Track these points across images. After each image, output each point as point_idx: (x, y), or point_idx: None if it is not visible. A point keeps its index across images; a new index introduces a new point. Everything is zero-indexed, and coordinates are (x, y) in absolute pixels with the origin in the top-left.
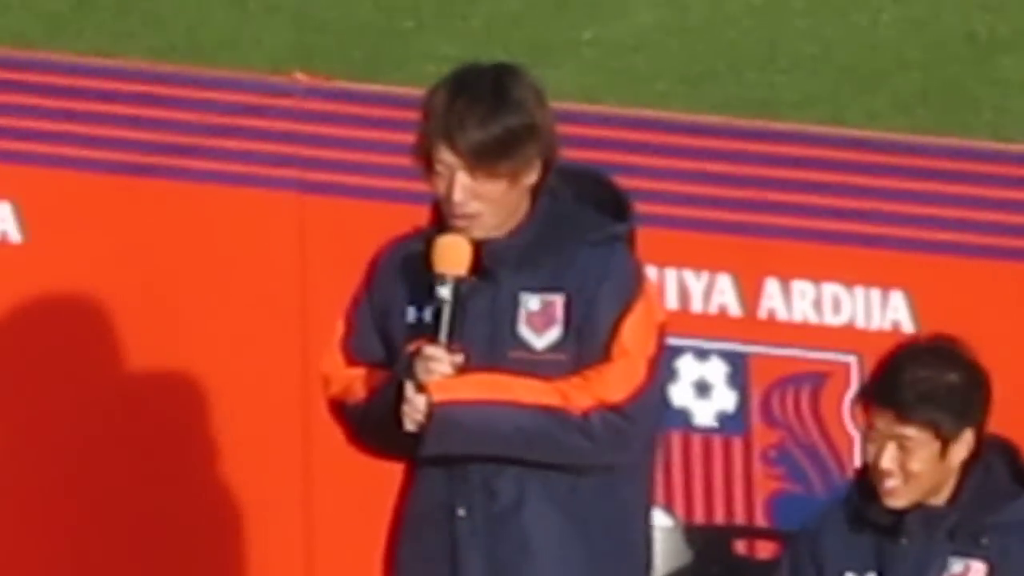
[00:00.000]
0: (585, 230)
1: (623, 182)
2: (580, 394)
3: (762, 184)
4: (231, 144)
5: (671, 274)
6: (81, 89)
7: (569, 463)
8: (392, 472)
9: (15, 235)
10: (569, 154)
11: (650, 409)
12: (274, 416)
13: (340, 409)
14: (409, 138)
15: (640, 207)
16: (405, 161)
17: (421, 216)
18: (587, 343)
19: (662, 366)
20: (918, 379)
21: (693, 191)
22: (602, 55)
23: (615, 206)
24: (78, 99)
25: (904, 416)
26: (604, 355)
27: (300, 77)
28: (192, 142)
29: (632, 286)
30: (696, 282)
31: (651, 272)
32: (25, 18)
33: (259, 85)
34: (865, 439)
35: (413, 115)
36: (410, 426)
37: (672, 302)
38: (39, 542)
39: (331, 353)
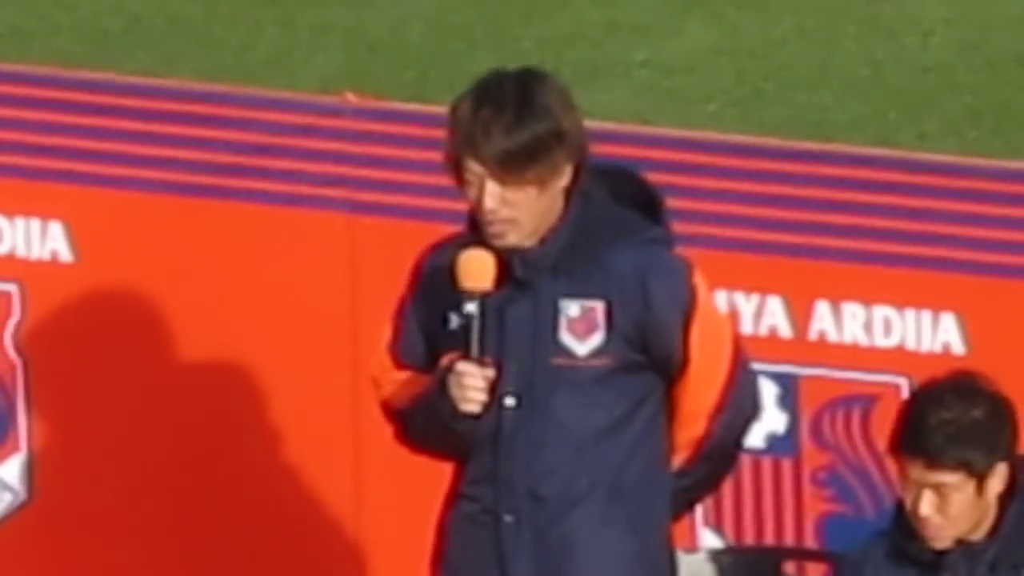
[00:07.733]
0: (620, 233)
1: (674, 203)
2: (688, 430)
3: (813, 205)
4: (280, 164)
5: (721, 295)
6: (130, 109)
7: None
8: (442, 470)
9: (66, 254)
10: None
11: (749, 376)
12: (326, 424)
13: (391, 411)
14: None
15: (690, 228)
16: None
17: None
18: (656, 352)
19: (741, 342)
20: (943, 422)
21: (743, 212)
22: (654, 77)
23: (647, 203)
24: (127, 119)
25: (935, 462)
26: (682, 363)
27: (350, 97)
28: (241, 162)
29: (683, 290)
30: (746, 303)
31: None
32: (75, 39)
33: (309, 105)
34: (900, 487)
35: None
36: (471, 407)
37: None
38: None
39: (379, 356)
